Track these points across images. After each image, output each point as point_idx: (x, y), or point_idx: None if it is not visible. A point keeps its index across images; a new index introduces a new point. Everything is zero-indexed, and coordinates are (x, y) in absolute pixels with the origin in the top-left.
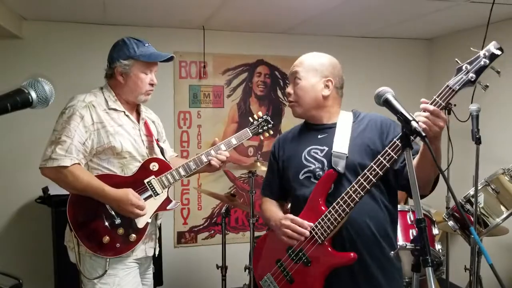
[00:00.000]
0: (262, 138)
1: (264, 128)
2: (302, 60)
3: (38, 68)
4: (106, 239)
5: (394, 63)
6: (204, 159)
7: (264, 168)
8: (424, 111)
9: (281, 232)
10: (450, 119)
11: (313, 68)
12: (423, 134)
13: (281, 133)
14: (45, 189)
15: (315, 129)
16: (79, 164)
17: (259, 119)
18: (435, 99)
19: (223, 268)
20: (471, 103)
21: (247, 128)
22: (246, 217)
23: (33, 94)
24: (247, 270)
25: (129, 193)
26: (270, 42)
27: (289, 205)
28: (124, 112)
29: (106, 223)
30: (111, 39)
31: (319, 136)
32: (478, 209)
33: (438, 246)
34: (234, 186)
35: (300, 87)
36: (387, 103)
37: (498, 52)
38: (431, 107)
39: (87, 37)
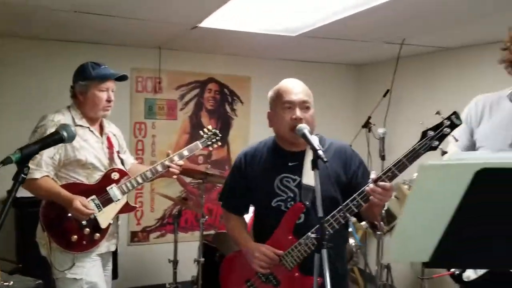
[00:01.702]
0: (211, 148)
1: (213, 140)
2: (306, 89)
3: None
4: (74, 237)
5: (325, 86)
6: (159, 168)
7: (212, 175)
8: (375, 184)
9: (254, 263)
10: (370, 136)
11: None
12: (325, 160)
13: (229, 145)
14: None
15: (286, 155)
16: (48, 176)
17: (209, 133)
18: (401, 159)
19: (175, 262)
20: (383, 126)
21: (197, 142)
22: (195, 218)
23: (64, 134)
24: (195, 263)
25: (76, 201)
26: (220, 62)
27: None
28: (89, 128)
29: (74, 224)
30: (74, 56)
31: (289, 164)
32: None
33: (351, 241)
34: (184, 190)
35: (311, 114)
36: (304, 136)
37: (459, 122)
38: (388, 185)
39: (52, 53)
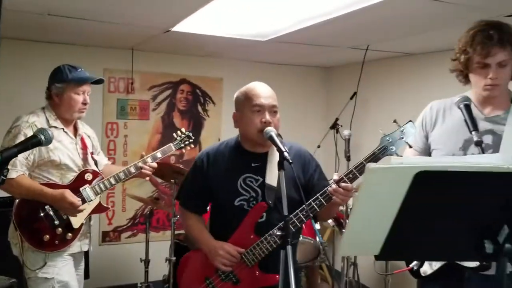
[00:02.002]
0: (184, 151)
1: (186, 143)
2: (274, 94)
3: None
4: (47, 237)
5: (296, 88)
6: (133, 170)
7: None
8: (337, 185)
9: (217, 260)
10: (338, 137)
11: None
12: (290, 161)
13: (201, 145)
14: None
15: (249, 155)
16: (23, 174)
17: (182, 135)
18: (361, 162)
19: (146, 262)
20: (350, 127)
21: (171, 144)
22: (167, 218)
23: (42, 137)
24: (167, 262)
25: (65, 192)
26: (193, 63)
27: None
28: (63, 129)
29: (47, 224)
30: (46, 57)
31: (253, 164)
32: (348, 209)
33: (318, 238)
34: (156, 190)
35: (278, 118)
36: (271, 139)
37: (413, 131)
38: (349, 186)
39: (29, 53)
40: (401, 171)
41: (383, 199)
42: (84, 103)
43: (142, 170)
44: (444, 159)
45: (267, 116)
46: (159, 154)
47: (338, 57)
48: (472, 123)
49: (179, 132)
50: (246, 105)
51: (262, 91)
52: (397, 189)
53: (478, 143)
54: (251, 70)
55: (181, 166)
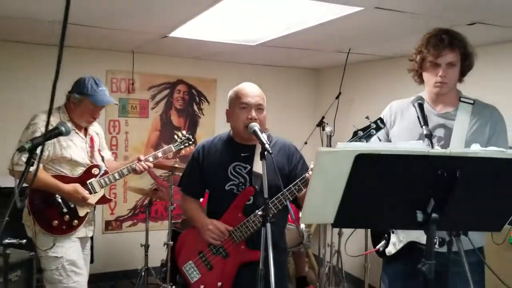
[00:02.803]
0: (183, 152)
1: (186, 145)
2: (261, 93)
3: None
4: (55, 222)
5: (286, 88)
6: (135, 167)
7: (180, 169)
8: None
9: (207, 234)
10: (323, 135)
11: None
12: (271, 152)
13: (196, 141)
14: None
15: (239, 147)
16: (40, 167)
17: (182, 137)
18: None
19: (146, 247)
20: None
21: (171, 145)
22: (165, 209)
23: (63, 129)
24: (165, 246)
25: (77, 187)
26: (189, 65)
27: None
28: (75, 130)
29: (56, 211)
30: (53, 59)
31: (242, 154)
32: None
33: (302, 226)
34: (155, 183)
35: (264, 115)
36: (254, 133)
37: (382, 126)
38: None
39: (35, 56)
40: (344, 154)
41: (333, 176)
42: (94, 117)
43: (136, 168)
44: (380, 145)
45: (253, 113)
46: (160, 154)
47: (325, 59)
48: (424, 119)
49: (180, 134)
50: (235, 102)
51: (250, 91)
52: (342, 168)
53: (427, 136)
54: (243, 71)
55: (177, 160)
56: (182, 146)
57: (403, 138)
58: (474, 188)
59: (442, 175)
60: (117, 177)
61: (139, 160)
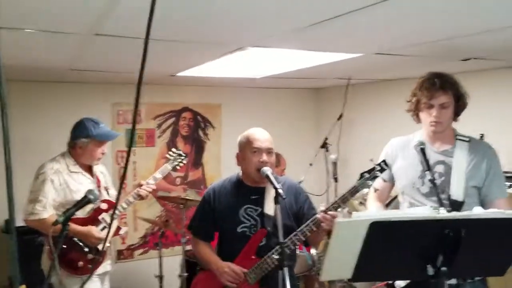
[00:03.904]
0: (178, 168)
1: (178, 160)
2: (271, 138)
3: None
4: (81, 263)
5: (288, 108)
6: (139, 193)
7: (189, 196)
8: (325, 213)
9: (223, 277)
10: (328, 156)
11: None
12: (284, 197)
13: (203, 166)
14: (7, 220)
15: (249, 189)
16: (53, 214)
17: (174, 154)
18: (345, 194)
19: (160, 277)
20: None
21: (166, 164)
22: (174, 234)
23: (92, 197)
24: (179, 277)
25: (92, 230)
26: (193, 92)
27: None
28: (82, 173)
29: (78, 252)
30: (61, 94)
31: (252, 197)
32: None
33: (312, 251)
34: (164, 210)
35: (274, 159)
36: (267, 177)
37: (386, 167)
38: (336, 214)
39: (39, 93)
40: (360, 222)
41: (350, 239)
42: (102, 153)
43: (140, 192)
44: (390, 212)
45: (264, 157)
46: (158, 175)
47: (326, 82)
48: (427, 164)
49: (170, 152)
50: (247, 147)
51: (261, 136)
52: (359, 233)
53: (431, 181)
54: (247, 95)
55: (187, 192)
56: (176, 163)
57: (405, 175)
58: (477, 244)
59: (448, 234)
60: (124, 206)
61: (140, 185)
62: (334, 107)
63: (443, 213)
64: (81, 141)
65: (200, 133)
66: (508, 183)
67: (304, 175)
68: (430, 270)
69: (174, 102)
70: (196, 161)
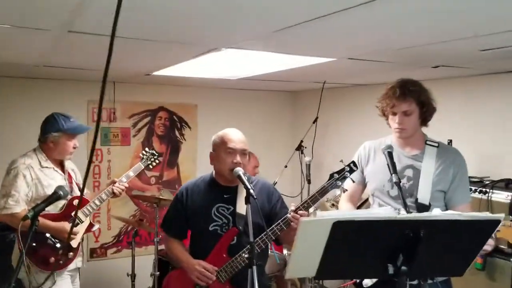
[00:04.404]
0: (151, 167)
1: (152, 160)
2: (245, 139)
3: None
4: (52, 259)
5: (265, 110)
6: (113, 190)
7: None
8: (295, 212)
9: (194, 275)
10: (303, 158)
11: None
12: (255, 197)
13: (179, 166)
14: None
15: (221, 188)
16: (25, 209)
17: (147, 154)
18: (314, 194)
19: (133, 276)
20: (312, 149)
21: (139, 163)
22: (148, 234)
23: (61, 193)
24: (152, 276)
25: (66, 225)
26: (170, 92)
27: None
28: (54, 168)
29: (50, 248)
30: (36, 91)
31: (225, 196)
32: None
33: (285, 251)
34: (138, 209)
35: (247, 160)
36: (239, 177)
37: (355, 168)
38: (306, 213)
39: (12, 89)
40: (324, 221)
41: (314, 238)
42: (74, 147)
43: (115, 190)
44: (353, 212)
45: (238, 158)
46: (131, 173)
47: (302, 85)
48: (393, 167)
49: (144, 152)
50: (221, 147)
51: (236, 137)
52: (322, 232)
53: (397, 184)
54: (223, 96)
55: (161, 192)
56: (149, 162)
57: (376, 177)
58: (436, 244)
59: (408, 234)
60: (98, 203)
61: (113, 183)
62: (311, 110)
63: (403, 214)
64: (52, 135)
65: (176, 133)
66: (475, 188)
67: (279, 176)
68: (391, 269)
69: (150, 102)
70: (172, 161)
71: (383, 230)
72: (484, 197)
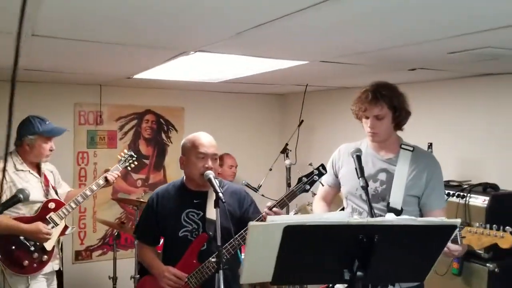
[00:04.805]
0: (129, 168)
1: (130, 161)
2: (215, 143)
3: None
4: (26, 262)
5: (252, 113)
6: (94, 188)
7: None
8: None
9: (164, 282)
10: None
11: None
12: (224, 201)
13: (165, 169)
14: None
15: (192, 193)
16: None
17: (125, 155)
18: (283, 198)
19: (114, 279)
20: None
21: (117, 165)
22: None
23: (21, 196)
24: (132, 279)
25: (39, 225)
26: (156, 95)
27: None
28: (29, 171)
29: (24, 251)
30: (21, 95)
31: (195, 201)
32: None
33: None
34: (124, 212)
35: (217, 165)
36: (209, 181)
37: (324, 172)
38: (280, 211)
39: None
40: (274, 226)
41: (267, 243)
42: (51, 150)
43: (109, 177)
44: (305, 216)
45: (209, 163)
46: (119, 167)
47: (288, 87)
48: (361, 170)
49: (122, 153)
50: (192, 151)
51: (207, 141)
52: (274, 236)
53: (363, 188)
54: (210, 99)
55: (143, 194)
56: (127, 164)
57: (348, 181)
58: (392, 249)
59: (362, 240)
60: (73, 206)
61: (107, 171)
62: (297, 113)
63: (355, 219)
64: (28, 138)
65: (163, 136)
66: (453, 192)
67: (264, 179)
68: (347, 275)
69: (137, 105)
70: (158, 163)
71: (336, 235)
72: (462, 201)
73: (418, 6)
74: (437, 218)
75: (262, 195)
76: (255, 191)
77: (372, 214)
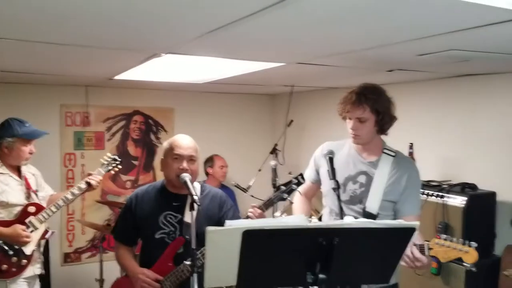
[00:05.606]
0: (113, 172)
1: (113, 165)
2: (194, 145)
3: None
4: (5, 267)
5: (243, 114)
6: (76, 192)
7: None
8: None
9: (137, 284)
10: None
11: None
12: (199, 204)
13: (154, 170)
14: None
15: (171, 196)
16: None
17: (108, 159)
18: (260, 206)
19: (101, 281)
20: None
21: (99, 168)
22: None
23: None
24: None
25: (17, 228)
26: (145, 96)
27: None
28: (9, 174)
29: (2, 255)
30: (6, 96)
31: (173, 204)
32: None
33: None
34: (113, 213)
35: (196, 166)
36: (185, 184)
37: (303, 181)
38: (261, 213)
39: None
40: (233, 231)
41: (227, 248)
42: (30, 153)
43: (91, 181)
44: (264, 220)
45: (185, 164)
46: (102, 171)
47: (276, 88)
48: (332, 172)
49: (105, 157)
50: (168, 153)
51: (184, 143)
52: (234, 241)
53: (334, 190)
54: (200, 100)
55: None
56: (110, 167)
57: (326, 180)
58: (352, 252)
59: (322, 243)
60: (54, 210)
61: (89, 175)
62: (287, 113)
63: (314, 222)
64: (7, 140)
65: (152, 136)
66: (432, 192)
67: (253, 180)
68: (309, 278)
69: (125, 106)
70: (147, 164)
71: (296, 238)
72: (441, 201)
73: (378, 9)
74: (395, 221)
75: (252, 196)
76: (244, 191)
77: (341, 216)
